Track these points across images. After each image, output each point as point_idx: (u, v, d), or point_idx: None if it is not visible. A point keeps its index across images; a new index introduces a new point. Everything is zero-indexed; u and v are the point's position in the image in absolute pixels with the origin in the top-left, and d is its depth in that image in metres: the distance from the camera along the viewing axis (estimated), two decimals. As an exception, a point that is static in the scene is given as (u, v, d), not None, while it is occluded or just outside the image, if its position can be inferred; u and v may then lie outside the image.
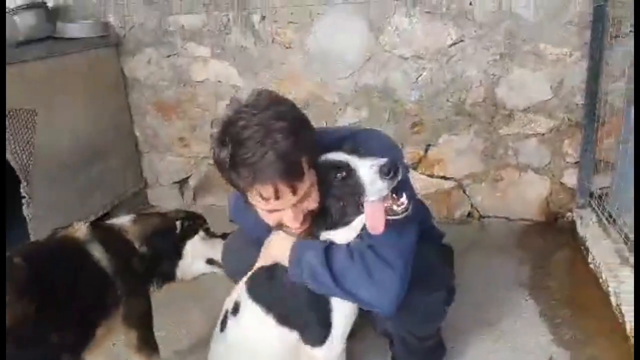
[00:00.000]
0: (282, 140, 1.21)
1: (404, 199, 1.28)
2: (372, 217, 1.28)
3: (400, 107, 2.90)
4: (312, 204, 1.33)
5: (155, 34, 3.11)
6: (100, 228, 1.69)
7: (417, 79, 2.85)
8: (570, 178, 2.83)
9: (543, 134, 2.79)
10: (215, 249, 1.86)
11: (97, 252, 1.57)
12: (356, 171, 1.27)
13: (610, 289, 2.16)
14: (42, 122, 2.58)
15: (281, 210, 1.31)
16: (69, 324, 1.40)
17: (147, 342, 1.69)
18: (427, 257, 1.53)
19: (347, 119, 2.99)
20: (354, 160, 1.29)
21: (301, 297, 1.40)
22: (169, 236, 1.79)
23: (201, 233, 1.88)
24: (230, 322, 1.51)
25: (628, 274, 2.15)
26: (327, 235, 1.39)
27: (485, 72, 2.76)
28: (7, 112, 2.36)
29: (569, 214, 2.86)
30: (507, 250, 2.70)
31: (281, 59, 2.98)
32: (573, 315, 2.16)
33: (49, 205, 2.64)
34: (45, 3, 3.07)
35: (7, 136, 2.37)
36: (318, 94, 2.99)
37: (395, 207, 1.28)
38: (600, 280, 2.29)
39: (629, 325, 1.91)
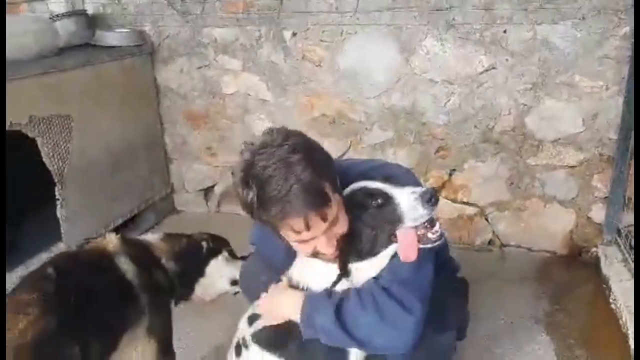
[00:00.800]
0: (303, 171, 1.23)
1: (437, 227, 1.29)
2: (405, 245, 1.29)
3: (427, 130, 2.88)
4: (342, 227, 1.34)
5: (189, 45, 3.18)
6: (130, 241, 1.75)
7: (445, 103, 2.83)
8: (598, 213, 2.76)
9: (572, 167, 2.74)
10: (237, 269, 1.91)
11: (125, 264, 1.63)
12: (394, 199, 1.29)
13: (630, 332, 2.11)
14: (76, 127, 2.67)
15: (314, 239, 1.32)
16: (93, 334, 1.43)
17: (167, 353, 1.75)
18: (442, 293, 1.52)
19: (372, 138, 3.00)
20: (391, 188, 1.31)
21: (316, 343, 1.40)
22: (195, 255, 1.86)
23: (225, 254, 1.94)
24: (244, 352, 1.54)
25: (650, 320, 2.10)
26: (355, 266, 1.39)
27: (516, 100, 2.72)
28: (45, 118, 2.46)
29: (594, 249, 2.79)
30: (526, 283, 2.66)
31: (310, 76, 3.00)
32: (590, 358, 2.12)
33: (81, 207, 2.72)
34: (85, 10, 3.18)
35: (44, 140, 2.47)
36: (345, 112, 3.01)
37: (430, 235, 1.29)
38: (621, 322, 2.24)
39: (647, 375, 1.87)
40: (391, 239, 1.32)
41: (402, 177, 1.45)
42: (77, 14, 3.08)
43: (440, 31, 2.71)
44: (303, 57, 2.98)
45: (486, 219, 2.97)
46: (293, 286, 1.48)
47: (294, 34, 2.96)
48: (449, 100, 2.83)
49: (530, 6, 2.54)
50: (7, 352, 1.16)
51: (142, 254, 1.72)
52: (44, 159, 2.49)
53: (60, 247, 2.62)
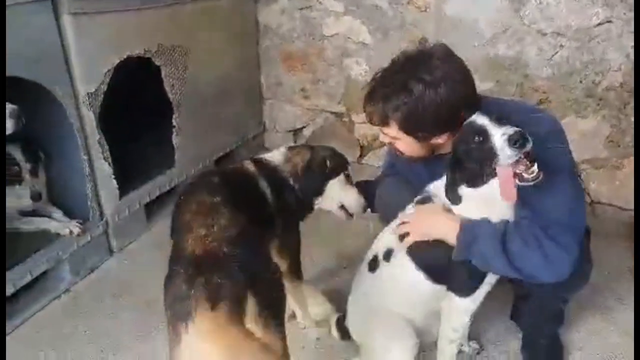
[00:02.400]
0: (400, 78, 1.50)
1: (535, 167, 1.33)
2: (502, 182, 1.35)
3: (530, 82, 2.88)
4: (403, 147, 1.64)
5: (293, -15, 3.23)
6: (262, 164, 1.81)
7: (552, 56, 2.81)
8: (700, 176, 2.74)
9: (680, 127, 2.70)
10: (349, 197, 1.91)
11: (264, 186, 1.73)
12: (491, 137, 1.34)
13: None
14: (190, 59, 2.79)
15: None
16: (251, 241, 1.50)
17: (295, 270, 1.88)
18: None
19: (471, 88, 3.01)
20: (492, 127, 1.35)
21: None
22: (318, 172, 1.84)
23: (341, 177, 1.90)
24: (383, 266, 1.67)
25: None
26: (464, 192, 1.46)
27: (628, 56, 2.67)
28: (169, 48, 2.59)
29: (691, 212, 2.79)
30: (620, 238, 2.68)
31: (414, 22, 3.01)
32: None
33: (190, 136, 2.88)
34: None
35: (167, 69, 2.61)
36: (445, 60, 3.02)
37: (525, 175, 1.33)
38: None
39: None
40: (491, 173, 1.38)
41: (539, 128, 1.44)
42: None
43: (558, -19, 2.66)
44: (409, 2, 2.99)
45: (579, 176, 2.98)
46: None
47: (402, -22, 2.96)
48: (556, 53, 2.80)
49: (660, -44, 2.46)
50: (215, 244, 1.32)
51: (274, 177, 1.79)
52: (165, 87, 2.64)
53: (173, 172, 2.81)
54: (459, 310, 1.57)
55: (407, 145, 1.62)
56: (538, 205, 1.42)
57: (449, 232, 1.48)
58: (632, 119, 2.77)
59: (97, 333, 2.04)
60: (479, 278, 1.52)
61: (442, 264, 1.54)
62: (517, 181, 1.35)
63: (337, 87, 3.34)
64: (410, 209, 1.65)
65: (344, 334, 1.93)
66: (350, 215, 1.95)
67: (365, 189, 1.95)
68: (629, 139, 2.82)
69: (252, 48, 3.41)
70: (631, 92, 2.73)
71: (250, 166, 1.79)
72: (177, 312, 1.22)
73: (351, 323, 1.87)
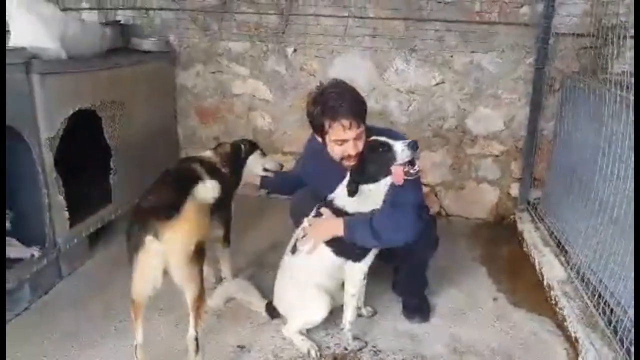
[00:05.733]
0: (356, 94, 2.22)
1: (417, 166, 2.15)
2: (396, 175, 2.13)
3: (394, 127, 3.82)
4: (360, 146, 2.16)
5: (206, 54, 3.94)
6: (203, 162, 2.49)
7: (407, 107, 3.81)
8: (515, 190, 3.84)
9: (497, 156, 3.81)
10: (268, 162, 2.81)
11: (206, 176, 2.33)
12: (393, 147, 2.12)
13: (536, 261, 3.13)
14: (124, 112, 3.31)
15: (347, 142, 2.13)
16: None
17: (226, 238, 2.66)
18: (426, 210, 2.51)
19: (352, 133, 3.90)
20: (392, 141, 2.15)
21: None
22: (238, 156, 2.70)
23: (258, 152, 2.80)
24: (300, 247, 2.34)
25: (548, 251, 3.13)
26: (364, 187, 2.17)
27: (458, 107, 3.76)
28: (105, 103, 3.10)
29: (512, 216, 3.86)
30: (464, 238, 3.64)
31: (306, 83, 3.86)
32: (511, 276, 3.10)
33: (123, 177, 3.33)
34: (119, 21, 3.84)
35: (107, 121, 3.11)
36: (332, 112, 3.89)
37: (411, 171, 2.13)
38: (530, 257, 3.26)
39: (545, 282, 2.88)
40: (387, 172, 2.15)
41: (397, 136, 2.31)
42: (113, 23, 3.74)
43: (406, 54, 3.71)
44: (301, 69, 3.85)
45: (436, 195, 3.96)
46: (334, 208, 2.30)
47: (295, 50, 3.83)
48: (410, 105, 3.81)
49: (470, 40, 3.61)
50: (159, 201, 1.96)
51: (211, 168, 2.45)
52: (105, 135, 3.12)
53: (110, 208, 3.23)
54: (356, 271, 2.27)
55: (363, 144, 2.18)
56: (394, 194, 2.21)
57: (338, 230, 2.19)
58: (467, 151, 3.84)
59: (62, 337, 2.37)
60: (366, 249, 2.25)
61: (342, 245, 2.25)
62: (405, 176, 2.12)
63: (245, 136, 4.03)
64: (310, 216, 2.36)
65: (273, 314, 2.52)
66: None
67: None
68: (466, 166, 3.87)
69: (172, 104, 4.00)
70: (463, 132, 3.81)
71: (195, 165, 2.44)
72: (131, 244, 1.85)
73: (278, 299, 2.46)
